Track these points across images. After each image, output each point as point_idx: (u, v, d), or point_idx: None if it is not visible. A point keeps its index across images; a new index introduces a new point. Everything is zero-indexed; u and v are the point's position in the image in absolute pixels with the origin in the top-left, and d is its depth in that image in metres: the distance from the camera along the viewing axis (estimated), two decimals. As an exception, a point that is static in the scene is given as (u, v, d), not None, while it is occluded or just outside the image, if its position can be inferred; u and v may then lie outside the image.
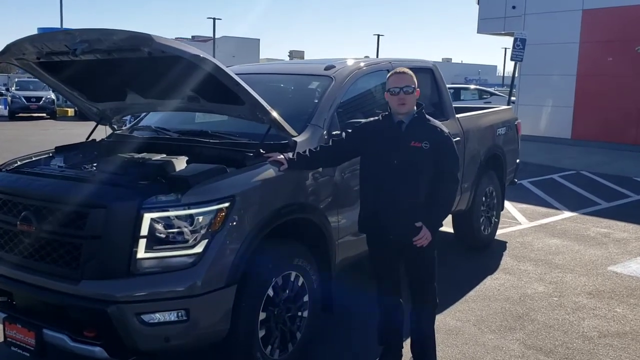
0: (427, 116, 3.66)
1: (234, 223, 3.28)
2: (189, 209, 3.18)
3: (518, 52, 13.71)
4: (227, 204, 3.27)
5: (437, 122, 3.66)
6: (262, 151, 3.74)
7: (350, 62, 4.86)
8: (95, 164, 4.08)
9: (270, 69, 4.96)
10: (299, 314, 3.82)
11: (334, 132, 4.20)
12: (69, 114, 27.67)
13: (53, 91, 26.86)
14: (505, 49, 64.17)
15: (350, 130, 3.83)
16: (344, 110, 4.45)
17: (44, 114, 26.01)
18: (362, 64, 4.85)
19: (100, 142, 4.59)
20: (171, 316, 3.13)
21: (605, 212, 8.74)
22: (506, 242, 7.01)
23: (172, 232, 3.17)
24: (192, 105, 4.09)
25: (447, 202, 3.66)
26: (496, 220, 6.88)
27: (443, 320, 4.60)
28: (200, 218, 3.18)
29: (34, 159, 4.24)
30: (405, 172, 3.50)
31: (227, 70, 3.44)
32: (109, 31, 3.33)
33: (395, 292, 3.82)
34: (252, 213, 3.41)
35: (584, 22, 16.46)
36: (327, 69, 4.66)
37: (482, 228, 6.56)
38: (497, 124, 6.77)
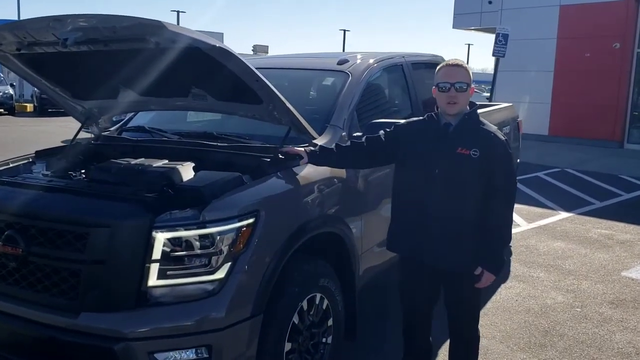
0: (481, 119, 3.09)
1: (259, 242, 2.81)
2: (208, 227, 2.69)
3: (500, 48, 13.50)
4: (251, 220, 2.80)
5: (492, 127, 3.07)
6: (281, 156, 3.29)
7: (363, 56, 4.43)
8: (85, 172, 3.56)
9: (276, 64, 4.50)
10: (323, 340, 3.38)
11: (354, 134, 3.77)
12: (28, 110, 26.51)
13: (11, 85, 25.92)
14: (469, 44, 64.51)
15: (387, 130, 3.27)
16: (361, 109, 4.02)
17: (1, 110, 24.78)
18: (376, 58, 4.42)
19: (87, 146, 4.05)
20: (190, 354, 2.64)
21: (601, 212, 8.53)
22: (510, 246, 6.70)
23: (190, 255, 2.69)
24: (197, 103, 3.59)
25: (505, 229, 3.07)
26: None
27: (485, 344, 4.19)
28: (222, 237, 2.71)
29: (11, 165, 3.68)
30: (448, 184, 2.95)
31: (249, 64, 2.96)
32: (109, 18, 2.82)
33: (426, 329, 3.33)
34: (277, 230, 2.95)
35: (562, 18, 16.39)
36: (340, 63, 4.22)
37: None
38: (503, 122, 6.44)
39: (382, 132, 3.24)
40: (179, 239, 2.67)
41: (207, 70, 3.09)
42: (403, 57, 4.76)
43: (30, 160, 3.80)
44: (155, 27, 2.69)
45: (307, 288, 3.16)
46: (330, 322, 3.41)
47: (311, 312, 3.23)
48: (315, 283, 3.22)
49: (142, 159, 3.48)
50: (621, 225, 7.75)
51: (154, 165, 3.32)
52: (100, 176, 3.27)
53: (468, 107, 3.06)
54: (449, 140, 3.01)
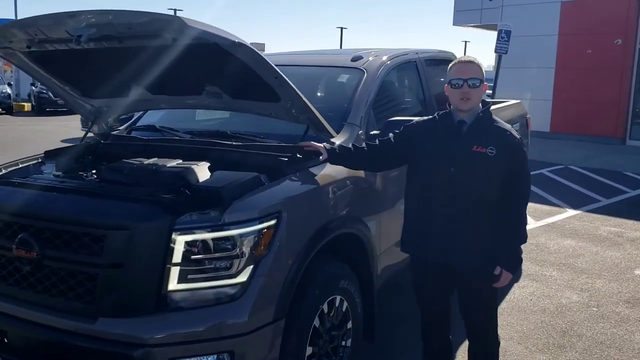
0: (494, 116, 3.04)
1: (281, 244, 2.73)
2: (230, 229, 2.61)
3: (502, 44, 13.41)
4: (272, 222, 2.72)
5: (506, 125, 3.02)
6: (299, 156, 3.20)
7: (376, 53, 4.35)
8: (96, 172, 3.48)
9: (286, 60, 4.40)
10: (343, 343, 3.30)
11: (371, 132, 3.69)
12: (26, 109, 26.29)
13: (9, 85, 25.72)
14: (466, 42, 64.31)
15: (397, 131, 3.19)
16: (377, 107, 3.94)
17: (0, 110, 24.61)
18: (390, 55, 4.33)
19: (97, 145, 3.96)
20: None
21: (608, 209, 8.46)
22: (520, 245, 6.62)
23: (211, 258, 2.60)
24: (210, 101, 3.49)
25: (521, 227, 3.02)
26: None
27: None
28: (244, 240, 2.62)
29: (20, 166, 3.59)
30: (464, 182, 2.89)
31: (269, 60, 2.88)
32: (124, 13, 2.73)
33: (444, 329, 3.27)
34: (299, 231, 2.87)
35: (563, 14, 16.31)
36: (354, 60, 4.13)
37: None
38: (512, 119, 6.37)
39: (391, 134, 3.17)
40: (200, 241, 2.58)
41: (224, 67, 3.01)
42: (416, 53, 4.68)
43: (40, 160, 3.71)
44: (174, 22, 2.61)
45: (328, 290, 3.08)
46: (349, 325, 3.33)
47: (331, 315, 3.15)
48: (336, 285, 3.15)
49: (155, 158, 3.39)
50: (630, 222, 7.68)
51: (168, 165, 3.24)
52: (113, 176, 3.19)
53: (481, 105, 3.00)
54: (463, 138, 2.94)
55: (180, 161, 3.32)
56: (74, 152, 3.83)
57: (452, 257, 2.97)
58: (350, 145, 3.26)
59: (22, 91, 29.54)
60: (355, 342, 3.38)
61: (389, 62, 4.19)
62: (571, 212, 8.24)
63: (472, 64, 2.96)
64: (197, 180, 3.07)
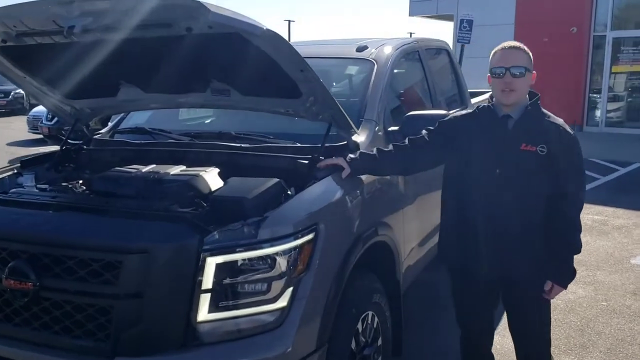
0: (545, 110, 2.70)
1: (321, 261, 2.39)
2: (266, 247, 2.25)
3: (465, 34, 13.34)
4: (310, 236, 2.37)
5: (558, 119, 2.68)
6: (321, 157, 2.87)
7: (379, 42, 4.03)
8: (85, 184, 3.06)
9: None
10: (374, 361, 3.00)
11: (390, 129, 3.39)
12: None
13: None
14: (411, 33, 64.73)
15: (431, 128, 2.89)
16: (390, 101, 3.64)
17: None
18: (395, 44, 4.01)
19: (79, 152, 3.51)
20: None
21: (587, 197, 8.42)
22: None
23: (247, 282, 2.25)
24: (216, 99, 3.08)
25: (574, 235, 2.68)
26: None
27: (500, 342, 3.92)
28: (282, 258, 2.28)
29: (-5, 178, 3.13)
30: (511, 185, 2.59)
31: (297, 50, 2.52)
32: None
33: (486, 345, 3.01)
34: (336, 245, 2.54)
35: (519, 3, 16.38)
36: (360, 50, 3.81)
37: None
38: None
39: (424, 131, 2.86)
40: (233, 263, 2.22)
41: (239, 59, 2.63)
42: (417, 42, 4.40)
43: (16, 171, 3.24)
44: (194, 9, 2.21)
45: (363, 307, 2.77)
46: (379, 342, 3.03)
47: (365, 333, 2.85)
48: (369, 300, 2.84)
49: (153, 165, 3.00)
50: (610, 210, 7.67)
51: (172, 173, 2.85)
52: (108, 188, 2.78)
53: (528, 97, 2.68)
54: (510, 135, 2.63)
55: (184, 167, 2.94)
56: (54, 161, 3.39)
57: (498, 271, 2.70)
58: (373, 151, 2.91)
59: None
60: (385, 359, 3.08)
61: (396, 52, 3.89)
62: (551, 202, 8.18)
63: (517, 51, 2.63)
64: (210, 190, 2.70)
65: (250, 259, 2.23)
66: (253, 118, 3.57)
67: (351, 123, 2.97)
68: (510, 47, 2.66)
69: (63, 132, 4.39)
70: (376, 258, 3.03)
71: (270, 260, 2.25)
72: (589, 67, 15.85)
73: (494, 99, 2.74)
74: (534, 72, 2.66)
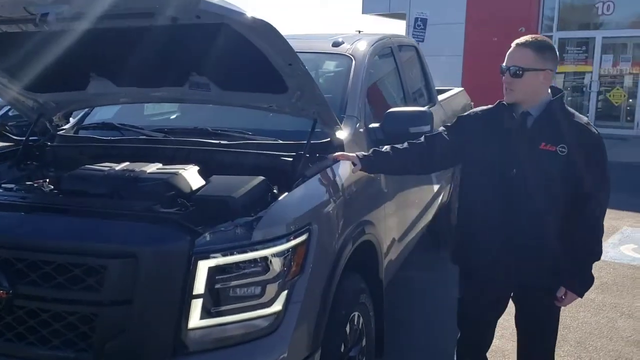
0: (568, 108, 2.57)
1: (314, 263, 2.31)
2: (260, 249, 2.15)
3: (419, 33, 13.46)
4: (304, 237, 2.29)
5: (582, 117, 2.54)
6: (307, 155, 2.78)
7: (354, 38, 3.99)
8: (52, 183, 2.87)
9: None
10: (358, 363, 2.94)
11: (370, 125, 3.33)
12: None
13: None
14: (360, 31, 65.09)
15: (449, 124, 2.78)
16: (368, 97, 3.58)
17: None
18: (370, 40, 3.96)
19: (42, 149, 3.30)
20: None
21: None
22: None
23: (240, 285, 2.14)
24: (193, 93, 2.93)
25: (595, 242, 2.53)
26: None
27: (498, 345, 3.87)
28: (276, 261, 2.18)
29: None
30: (528, 186, 2.47)
31: (289, 42, 2.41)
32: None
33: (484, 349, 2.96)
34: (328, 245, 2.47)
35: (469, 3, 16.68)
36: (336, 45, 3.74)
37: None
38: (465, 107, 6.27)
39: (442, 128, 2.77)
40: (225, 266, 2.11)
41: (223, 52, 2.51)
42: (390, 38, 4.36)
43: (-29, 170, 3.02)
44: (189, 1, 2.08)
45: (351, 308, 2.70)
46: (364, 342, 2.96)
47: (352, 335, 2.78)
48: (357, 301, 2.78)
49: (127, 163, 2.83)
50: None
51: (148, 171, 2.70)
52: (79, 187, 2.60)
53: (551, 94, 2.57)
54: (529, 133, 2.50)
55: (160, 165, 2.79)
56: (16, 158, 3.17)
57: (514, 279, 2.62)
58: (387, 148, 2.81)
59: None
60: (369, 359, 3.03)
61: (371, 48, 3.83)
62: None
63: (522, 49, 2.52)
64: (192, 189, 2.57)
65: (243, 262, 2.13)
66: (224, 113, 3.44)
67: (337, 119, 2.89)
68: (517, 45, 2.56)
69: (7, 127, 4.11)
70: (362, 257, 2.96)
71: (265, 262, 2.15)
72: (536, 66, 16.27)
73: None
74: (547, 70, 2.50)
